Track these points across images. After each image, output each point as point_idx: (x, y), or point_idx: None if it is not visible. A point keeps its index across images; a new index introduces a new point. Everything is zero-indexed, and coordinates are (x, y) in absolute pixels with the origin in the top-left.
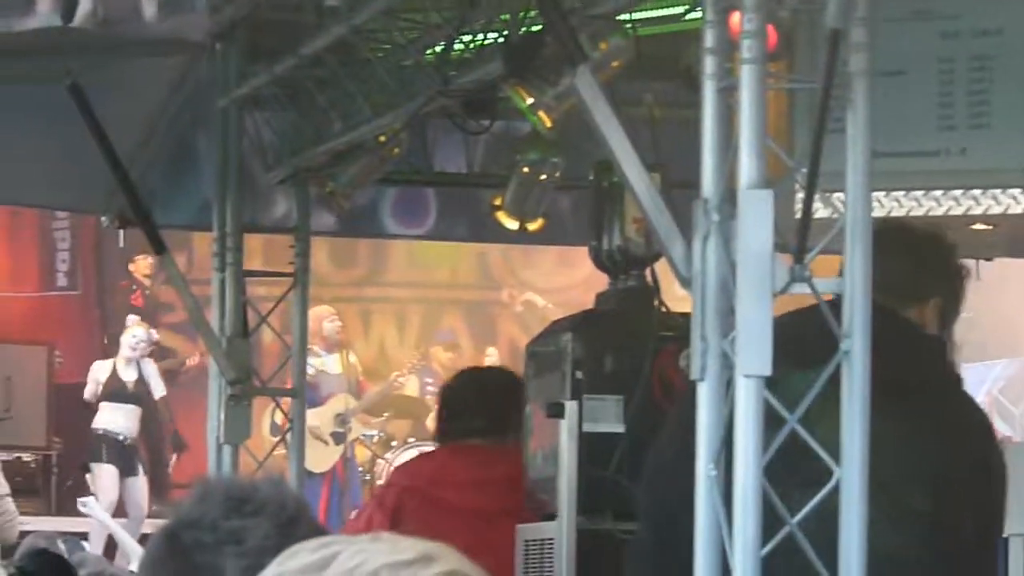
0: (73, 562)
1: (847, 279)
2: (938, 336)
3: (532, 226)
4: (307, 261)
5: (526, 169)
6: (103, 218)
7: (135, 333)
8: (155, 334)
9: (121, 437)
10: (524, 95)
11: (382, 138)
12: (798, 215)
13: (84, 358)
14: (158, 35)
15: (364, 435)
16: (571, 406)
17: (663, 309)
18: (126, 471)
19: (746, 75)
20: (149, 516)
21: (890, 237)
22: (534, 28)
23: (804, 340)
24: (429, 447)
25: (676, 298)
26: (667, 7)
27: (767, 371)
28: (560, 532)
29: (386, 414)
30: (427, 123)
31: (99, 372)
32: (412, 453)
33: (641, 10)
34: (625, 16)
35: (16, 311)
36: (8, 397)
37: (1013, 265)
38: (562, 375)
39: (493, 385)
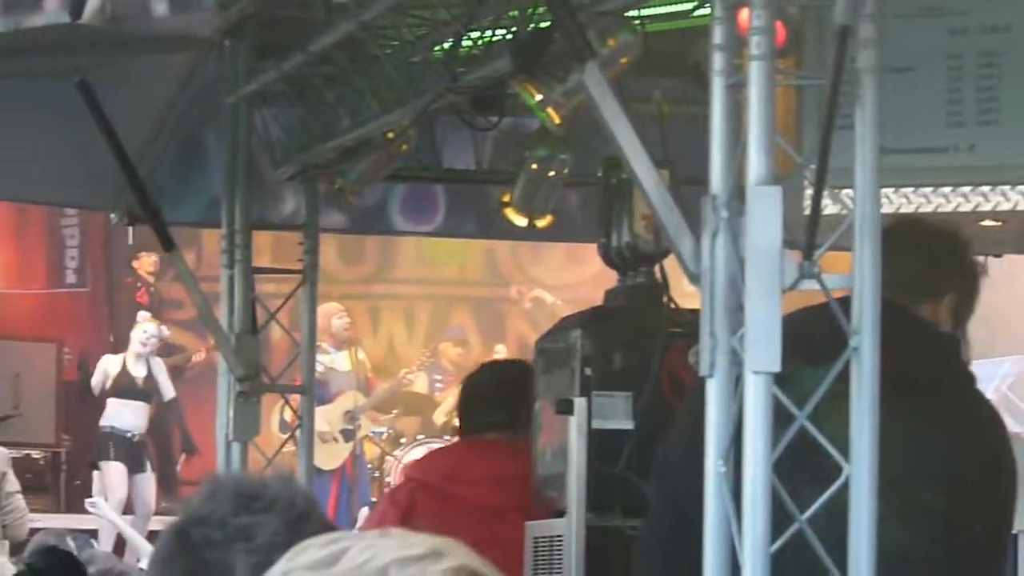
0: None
1: (856, 275)
2: (952, 334)
3: (541, 223)
4: (316, 258)
5: (535, 166)
6: (112, 215)
7: (146, 328)
8: (165, 330)
9: (129, 434)
10: (533, 91)
11: (390, 135)
12: (807, 211)
13: (93, 355)
14: (167, 32)
15: (373, 432)
16: (580, 403)
17: (672, 305)
18: (134, 468)
19: (755, 71)
20: (156, 513)
21: (904, 234)
22: (542, 24)
23: (815, 337)
24: (438, 444)
25: (685, 294)
26: (676, 3)
27: (776, 367)
28: (569, 529)
29: (395, 411)
30: (435, 120)
31: (109, 365)
32: (421, 450)
33: (649, 6)
34: (633, 12)
35: (25, 308)
36: (17, 394)
37: (1022, 261)
38: (571, 371)
39: (509, 379)
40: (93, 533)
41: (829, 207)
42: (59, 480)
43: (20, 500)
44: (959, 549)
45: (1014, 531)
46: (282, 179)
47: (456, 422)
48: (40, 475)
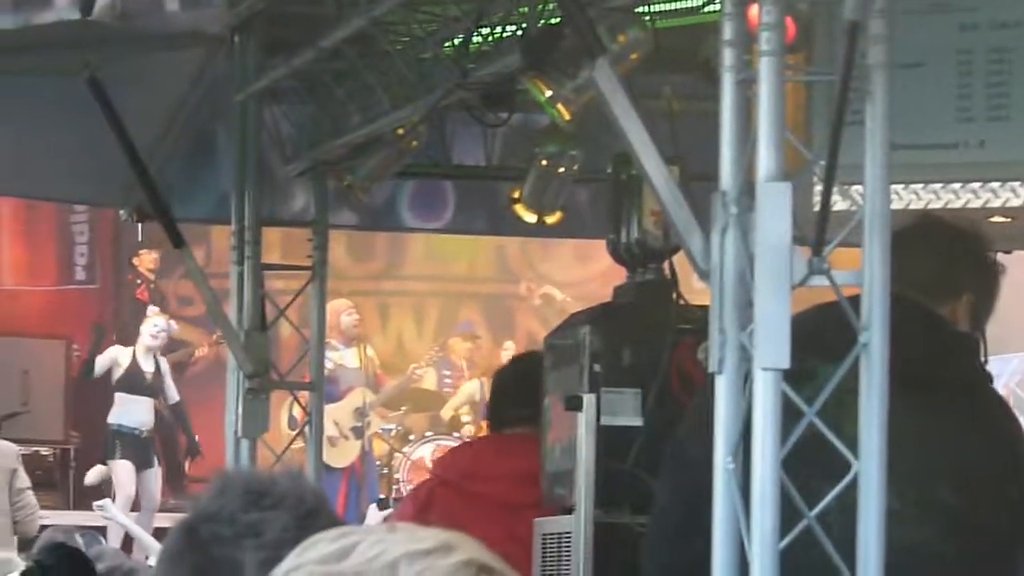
0: (90, 556)
1: (865, 272)
2: (970, 333)
3: (550, 219)
4: (325, 254)
5: (544, 162)
6: (121, 212)
7: (156, 323)
8: (174, 324)
9: (137, 431)
10: (543, 88)
11: (400, 131)
12: (816, 208)
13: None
14: (177, 28)
15: (382, 429)
16: (589, 399)
17: (681, 302)
18: (142, 465)
19: (765, 67)
20: (162, 508)
21: (923, 232)
22: (553, 21)
23: (831, 334)
24: (446, 440)
25: (694, 291)
26: None
27: (785, 364)
28: (577, 526)
29: (404, 408)
30: (445, 116)
31: (119, 355)
32: (430, 447)
33: (660, 2)
34: (644, 8)
35: (34, 305)
36: (26, 391)
37: None
38: (580, 368)
39: (536, 372)
40: (101, 530)
41: (839, 203)
42: (68, 477)
43: (31, 497)
44: (973, 547)
45: None
46: (292, 175)
47: (464, 418)
48: (49, 472)
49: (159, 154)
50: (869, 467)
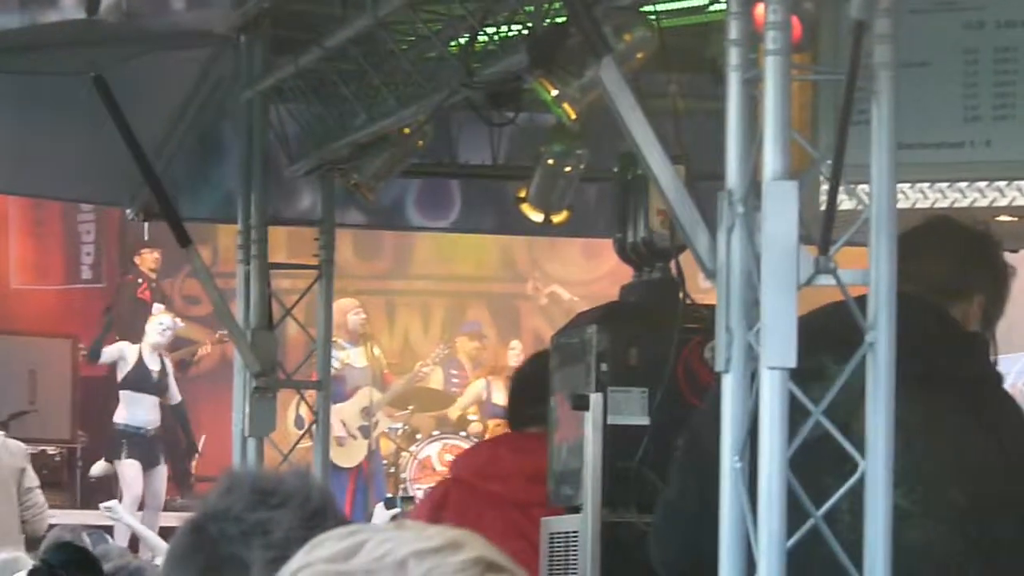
0: (97, 555)
1: (872, 271)
2: (981, 333)
3: (557, 218)
4: (332, 253)
5: (551, 161)
6: (128, 211)
7: (161, 320)
8: (179, 322)
9: (143, 430)
10: (548, 87)
11: (406, 130)
12: (823, 207)
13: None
14: (183, 28)
15: (389, 428)
16: (596, 398)
17: (688, 301)
18: (149, 464)
19: (770, 66)
20: (168, 508)
21: (935, 233)
22: (558, 20)
23: (842, 332)
24: (453, 440)
25: (701, 290)
26: None
27: (792, 363)
28: (584, 525)
29: (410, 407)
30: (451, 115)
31: (127, 351)
32: (437, 446)
33: (665, 1)
34: (649, 8)
35: (41, 304)
36: (33, 390)
37: None
38: (587, 367)
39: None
40: (108, 529)
41: (845, 202)
42: (75, 476)
43: (39, 496)
44: (984, 547)
45: None
46: (298, 175)
47: (471, 416)
48: (56, 471)
49: (165, 153)
50: (876, 466)
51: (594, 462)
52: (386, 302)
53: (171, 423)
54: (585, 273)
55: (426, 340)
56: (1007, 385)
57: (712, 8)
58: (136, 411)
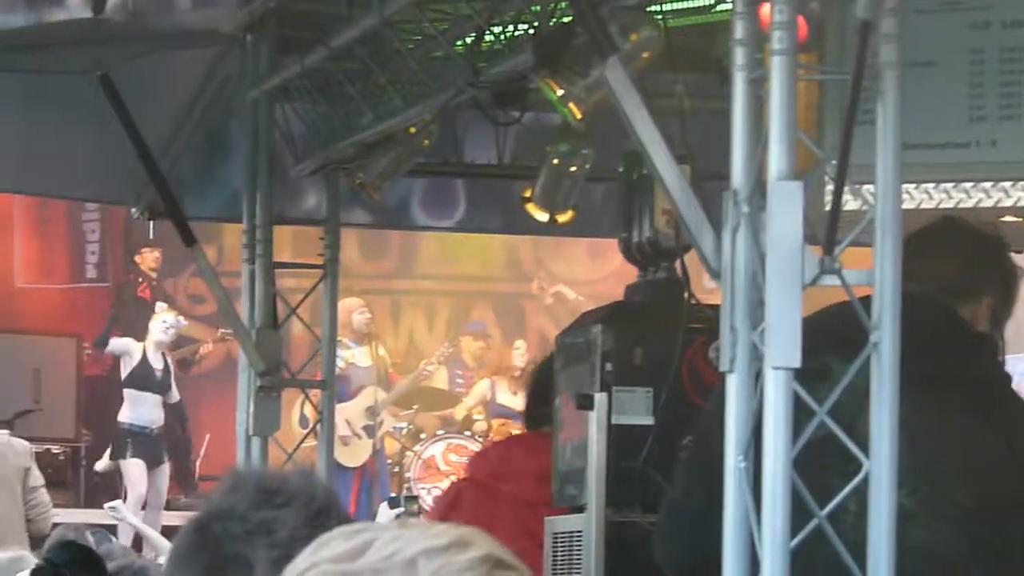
0: (100, 554)
1: (877, 271)
2: (990, 334)
3: (562, 218)
4: (337, 253)
5: (556, 161)
6: (133, 210)
7: (165, 319)
8: (183, 320)
9: (147, 430)
10: (554, 86)
11: (412, 130)
12: (828, 207)
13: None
14: (189, 27)
15: (394, 427)
16: (600, 398)
17: (693, 301)
18: (153, 463)
19: (776, 66)
20: (172, 507)
21: (944, 234)
22: (564, 19)
23: (848, 332)
24: (458, 440)
25: (706, 290)
26: None
27: (796, 363)
28: (588, 525)
29: (415, 406)
30: (457, 115)
31: (132, 348)
32: (441, 445)
33: (671, 1)
34: (655, 7)
35: (45, 303)
36: (37, 389)
37: None
38: (591, 367)
39: None
40: (112, 528)
41: (850, 202)
42: (79, 475)
43: (44, 495)
44: (990, 548)
45: None
46: (303, 174)
47: (475, 416)
48: (60, 470)
49: (171, 152)
50: (880, 466)
51: (598, 462)
52: (391, 302)
53: (174, 422)
54: (590, 273)
55: (431, 339)
56: (1015, 385)
57: (718, 8)
58: (140, 410)
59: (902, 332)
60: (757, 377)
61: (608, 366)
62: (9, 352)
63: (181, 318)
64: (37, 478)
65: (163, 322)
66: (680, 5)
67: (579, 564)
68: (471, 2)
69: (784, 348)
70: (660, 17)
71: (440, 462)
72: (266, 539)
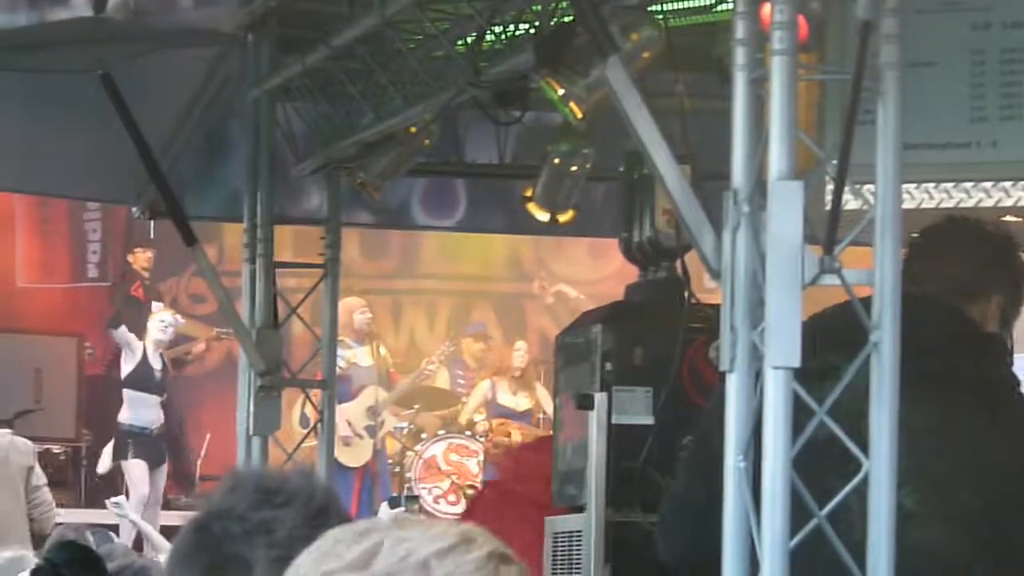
0: (101, 554)
1: (877, 271)
2: (999, 335)
3: (563, 217)
4: (337, 252)
5: (557, 160)
6: (134, 209)
7: (163, 318)
8: (180, 319)
9: (148, 430)
10: (555, 86)
11: (413, 129)
12: (828, 207)
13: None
14: (190, 26)
15: (395, 427)
16: (600, 398)
17: (693, 301)
18: (154, 463)
19: (777, 66)
20: (172, 507)
21: (953, 233)
22: (565, 19)
23: (852, 331)
24: (459, 440)
25: (706, 290)
26: None
27: (796, 363)
28: (588, 524)
29: (416, 406)
30: (458, 114)
31: (135, 344)
32: (442, 445)
33: (672, 1)
34: (656, 7)
35: (47, 302)
36: (38, 389)
37: None
38: (591, 367)
39: None
40: (114, 528)
41: (850, 202)
42: (80, 475)
43: (47, 494)
44: (998, 550)
45: None
46: (304, 174)
47: (477, 417)
48: (61, 470)
49: (172, 152)
50: (880, 466)
51: (598, 462)
52: (392, 301)
53: (172, 421)
54: (591, 272)
55: (432, 339)
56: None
57: (719, 8)
58: (140, 411)
59: (908, 332)
60: (757, 377)
61: (608, 366)
62: (10, 352)
63: (178, 316)
64: (40, 477)
65: (161, 321)
66: (681, 5)
67: (579, 564)
68: (472, 2)
69: (784, 348)
70: (661, 17)
71: (441, 462)
72: (265, 539)
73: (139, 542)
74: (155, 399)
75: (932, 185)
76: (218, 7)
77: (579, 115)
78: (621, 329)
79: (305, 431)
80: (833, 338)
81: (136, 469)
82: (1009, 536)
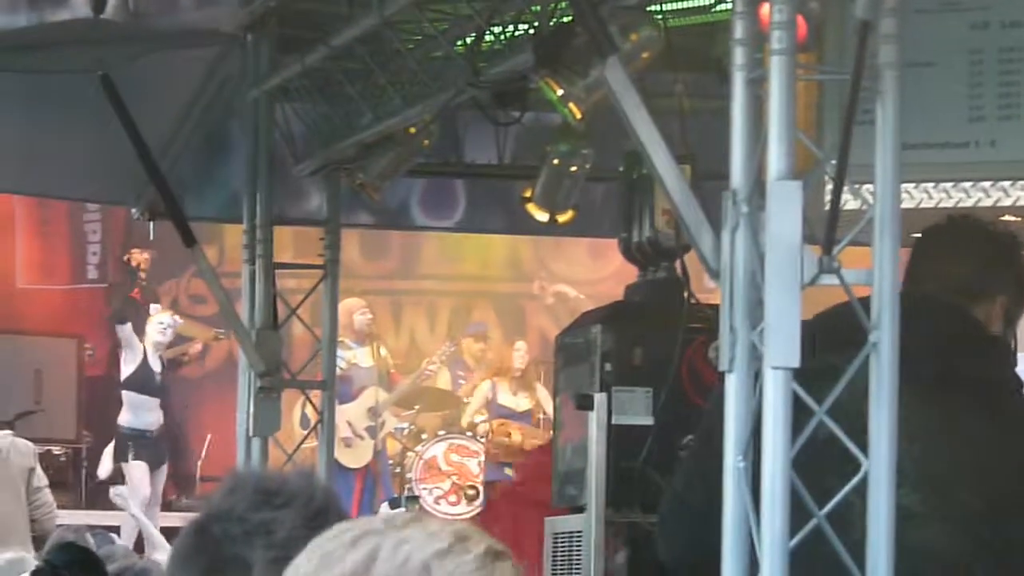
0: (101, 555)
1: (876, 271)
2: (1003, 337)
3: (562, 218)
4: (337, 253)
5: (556, 161)
6: (134, 210)
7: (161, 320)
8: (179, 319)
9: (148, 433)
10: (554, 86)
11: (412, 130)
12: (827, 206)
13: (115, 351)
14: (190, 26)
15: (395, 428)
16: (600, 398)
17: (692, 301)
18: (155, 464)
19: (776, 66)
20: (170, 508)
21: (960, 233)
22: (564, 19)
23: (853, 332)
24: (459, 440)
25: (706, 290)
26: None
27: (795, 363)
28: (588, 525)
29: (416, 407)
30: (457, 114)
31: (135, 343)
32: (442, 446)
33: (671, 1)
34: (655, 7)
35: (47, 304)
36: (38, 390)
37: None
38: (591, 367)
39: None
40: (115, 529)
41: (849, 202)
42: (80, 476)
43: (48, 495)
44: (996, 552)
45: None
46: (303, 174)
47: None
48: (61, 471)
49: (171, 153)
50: (879, 466)
51: (598, 462)
52: (392, 302)
53: (172, 423)
54: (591, 273)
55: (432, 340)
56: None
57: (718, 8)
58: (139, 414)
59: (910, 332)
60: (756, 377)
61: (608, 366)
62: (10, 353)
63: (177, 318)
64: (41, 478)
65: (160, 323)
66: (680, 5)
67: (579, 564)
68: (471, 2)
69: (783, 348)
70: (660, 17)
71: (442, 462)
72: (264, 540)
73: (140, 544)
74: (155, 402)
75: (931, 185)
76: (217, 8)
77: (578, 115)
78: (621, 329)
79: (305, 432)
80: (832, 338)
81: (137, 471)
82: (1010, 537)
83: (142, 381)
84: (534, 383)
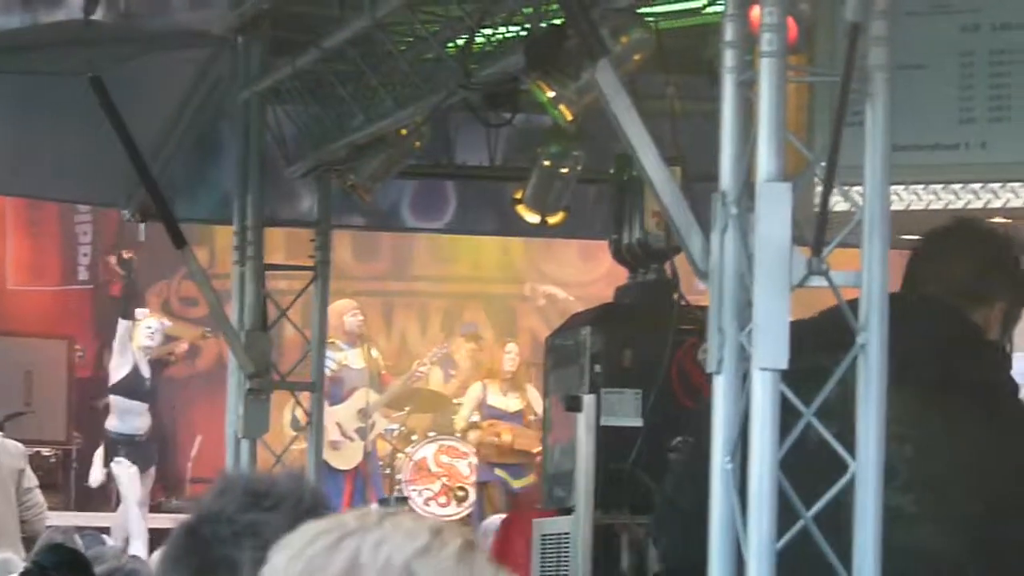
0: (91, 556)
1: (864, 273)
2: (1001, 342)
3: (553, 219)
4: (327, 255)
5: (547, 162)
6: (124, 212)
7: (148, 324)
8: (167, 322)
9: (136, 436)
10: (545, 88)
11: (403, 131)
12: (816, 208)
13: (105, 352)
14: (181, 28)
15: (385, 429)
16: (589, 399)
17: (682, 303)
18: (144, 466)
19: (766, 68)
20: (160, 510)
21: (960, 237)
22: (556, 21)
23: (840, 334)
24: (450, 442)
25: (697, 292)
26: (688, 0)
27: (783, 364)
28: (576, 526)
29: (407, 408)
30: (449, 116)
31: (127, 351)
32: (432, 447)
33: (662, 3)
34: (646, 10)
35: (37, 305)
36: (28, 391)
37: None
38: (580, 368)
39: None
40: (104, 530)
41: (839, 204)
42: (70, 477)
43: (38, 496)
44: (992, 553)
45: None
46: (295, 176)
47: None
48: (51, 472)
49: (162, 154)
50: (866, 468)
51: (587, 464)
52: (384, 303)
53: (161, 425)
54: (582, 274)
55: (424, 341)
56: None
57: (709, 10)
58: (127, 419)
59: (911, 334)
60: (745, 378)
61: (597, 368)
62: (0, 354)
63: (165, 321)
64: (31, 479)
65: (147, 328)
66: (671, 7)
67: (567, 565)
68: (462, 4)
69: (771, 349)
70: (651, 19)
71: (431, 464)
72: (252, 541)
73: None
74: (143, 407)
75: (921, 187)
76: (209, 9)
77: (569, 117)
78: (610, 331)
79: (295, 433)
80: (821, 340)
81: (126, 474)
82: (1007, 538)
83: (132, 387)
84: (525, 384)
